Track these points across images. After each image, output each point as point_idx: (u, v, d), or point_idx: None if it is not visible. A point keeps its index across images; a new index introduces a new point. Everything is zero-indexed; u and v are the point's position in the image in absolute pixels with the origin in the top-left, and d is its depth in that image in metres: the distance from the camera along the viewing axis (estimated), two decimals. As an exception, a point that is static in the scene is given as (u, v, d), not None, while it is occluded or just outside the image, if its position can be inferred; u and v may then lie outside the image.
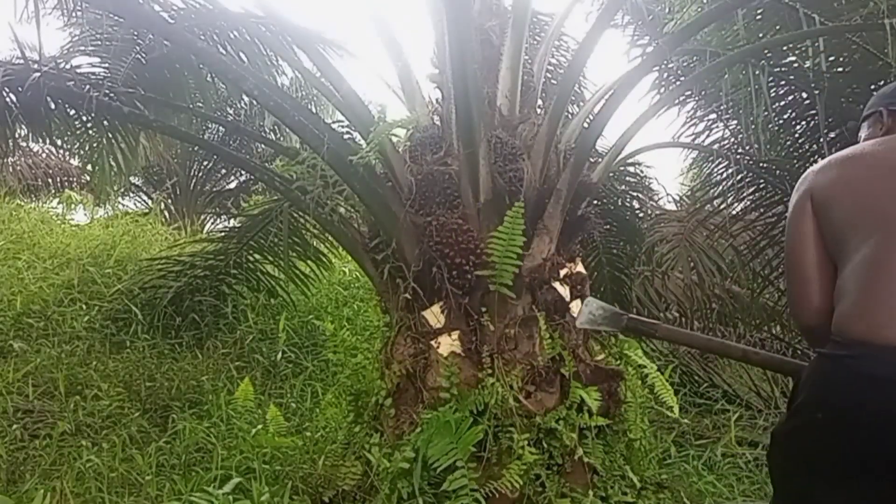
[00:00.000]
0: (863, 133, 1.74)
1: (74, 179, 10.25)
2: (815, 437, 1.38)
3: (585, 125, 3.76)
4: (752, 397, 5.24)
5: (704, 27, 3.79)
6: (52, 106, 3.90)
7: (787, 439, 1.49)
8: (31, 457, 3.47)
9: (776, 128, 4.40)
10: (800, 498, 1.44)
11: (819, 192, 1.51)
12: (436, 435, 2.73)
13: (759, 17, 4.23)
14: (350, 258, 4.79)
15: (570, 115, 4.14)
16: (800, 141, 4.55)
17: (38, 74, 3.53)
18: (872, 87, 4.04)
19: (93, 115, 3.87)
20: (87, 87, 3.63)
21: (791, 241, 1.58)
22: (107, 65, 4.29)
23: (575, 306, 3.25)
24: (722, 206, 5.12)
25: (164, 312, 5.05)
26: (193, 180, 11.15)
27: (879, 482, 1.28)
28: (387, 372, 3.14)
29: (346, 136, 3.37)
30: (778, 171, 4.47)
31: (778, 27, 4.12)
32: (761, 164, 4.48)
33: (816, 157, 4.56)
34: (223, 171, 11.25)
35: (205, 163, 10.92)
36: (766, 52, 3.99)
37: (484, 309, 3.02)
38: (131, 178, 10.08)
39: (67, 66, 4.09)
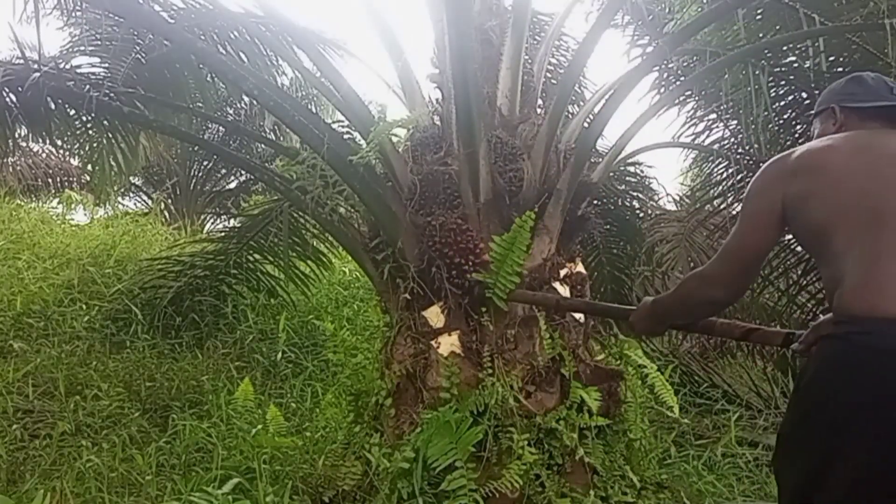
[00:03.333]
0: (816, 128, 1.80)
1: (74, 179, 10.25)
2: (831, 415, 1.39)
3: (585, 125, 3.76)
4: (752, 397, 5.24)
5: (704, 27, 3.79)
6: (52, 106, 3.90)
7: (798, 426, 1.49)
8: (31, 457, 3.46)
9: (776, 128, 4.40)
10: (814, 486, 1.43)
11: (794, 194, 1.54)
12: (435, 435, 2.73)
13: (759, 17, 4.23)
14: (350, 258, 4.78)
15: (570, 115, 4.14)
16: (800, 141, 4.55)
17: (38, 74, 3.53)
18: (872, 87, 4.04)
19: (93, 115, 3.87)
20: (87, 87, 3.63)
21: (744, 225, 1.65)
22: (107, 65, 4.29)
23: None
24: (722, 206, 5.13)
25: (164, 312, 5.05)
26: (193, 180, 11.15)
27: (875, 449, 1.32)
28: (387, 372, 3.14)
29: (346, 136, 3.37)
30: (778, 171, 4.46)
31: (778, 27, 4.12)
32: (761, 164, 4.47)
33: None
34: (223, 171, 11.25)
35: (205, 163, 10.92)
36: (766, 52, 4.00)
37: (484, 309, 3.02)
38: (131, 178, 10.07)
39: (67, 66, 4.09)
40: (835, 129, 1.69)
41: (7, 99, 3.82)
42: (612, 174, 4.75)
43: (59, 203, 9.43)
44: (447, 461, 2.66)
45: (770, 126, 4.22)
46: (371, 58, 5.97)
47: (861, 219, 1.43)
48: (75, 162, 9.51)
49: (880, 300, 1.35)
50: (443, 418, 2.75)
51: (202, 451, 3.56)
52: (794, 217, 1.55)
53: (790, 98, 4.37)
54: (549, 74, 4.26)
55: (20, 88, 3.60)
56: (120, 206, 10.62)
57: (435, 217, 3.06)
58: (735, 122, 4.60)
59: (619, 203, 5.24)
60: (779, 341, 1.91)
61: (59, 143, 4.64)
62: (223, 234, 6.03)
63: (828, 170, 1.53)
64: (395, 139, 3.41)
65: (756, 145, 4.43)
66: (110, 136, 4.35)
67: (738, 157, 4.55)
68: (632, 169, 5.47)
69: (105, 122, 4.22)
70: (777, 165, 1.63)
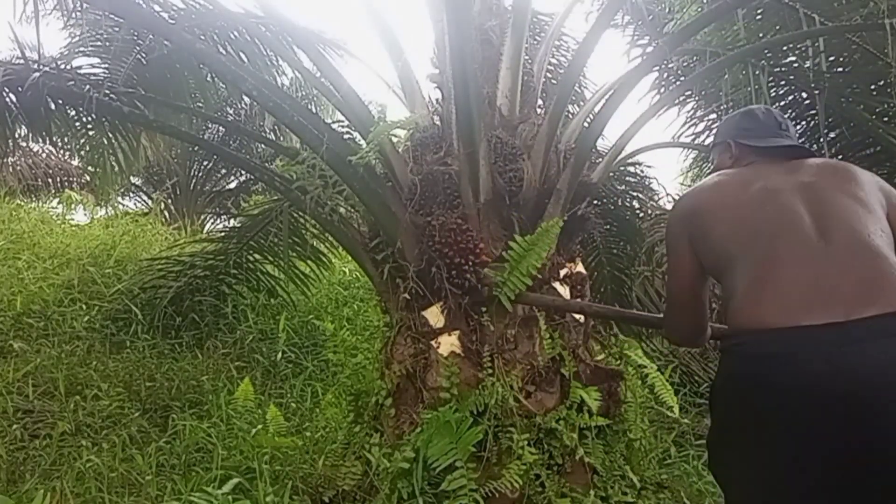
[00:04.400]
0: (714, 158, 2.00)
1: (74, 179, 10.26)
2: (732, 419, 1.52)
3: (585, 125, 3.76)
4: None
5: (704, 27, 3.79)
6: (52, 106, 3.90)
7: (717, 433, 1.60)
8: (31, 457, 3.46)
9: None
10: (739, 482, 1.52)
11: (697, 228, 1.69)
12: (435, 435, 2.73)
13: (759, 17, 4.23)
14: (350, 258, 4.79)
15: (570, 115, 4.14)
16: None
17: (38, 74, 3.53)
18: (872, 87, 4.04)
19: (93, 115, 3.87)
20: (88, 87, 3.63)
21: (670, 266, 1.81)
22: (107, 65, 4.30)
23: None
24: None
25: (164, 312, 5.05)
26: (193, 180, 11.15)
27: (783, 445, 1.40)
28: (387, 372, 3.14)
29: (346, 136, 3.37)
30: (778, 171, 4.46)
31: (778, 27, 4.12)
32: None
33: (816, 156, 4.55)
34: (223, 171, 11.26)
35: (205, 163, 10.92)
36: (766, 52, 3.99)
37: (484, 309, 3.02)
38: (131, 178, 10.07)
39: (67, 67, 4.09)
40: (730, 162, 1.89)
41: (7, 99, 3.82)
42: (612, 174, 4.75)
43: (59, 203, 9.43)
44: (447, 461, 2.66)
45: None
46: (371, 58, 5.98)
47: (747, 244, 1.57)
48: (75, 162, 9.52)
49: (759, 313, 1.46)
50: (443, 418, 2.75)
51: (202, 451, 3.56)
52: (699, 249, 1.69)
53: (790, 98, 4.37)
54: (549, 74, 4.26)
55: (20, 88, 3.60)
56: (120, 206, 10.63)
57: (435, 217, 3.06)
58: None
59: (619, 203, 5.24)
60: None
61: (59, 143, 4.64)
62: (223, 234, 6.03)
63: (721, 204, 1.68)
64: (395, 139, 3.41)
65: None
66: (110, 136, 4.35)
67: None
68: (632, 169, 5.47)
69: (105, 123, 4.22)
70: (677, 211, 1.81)
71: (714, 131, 2.18)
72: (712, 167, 2.00)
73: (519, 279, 2.88)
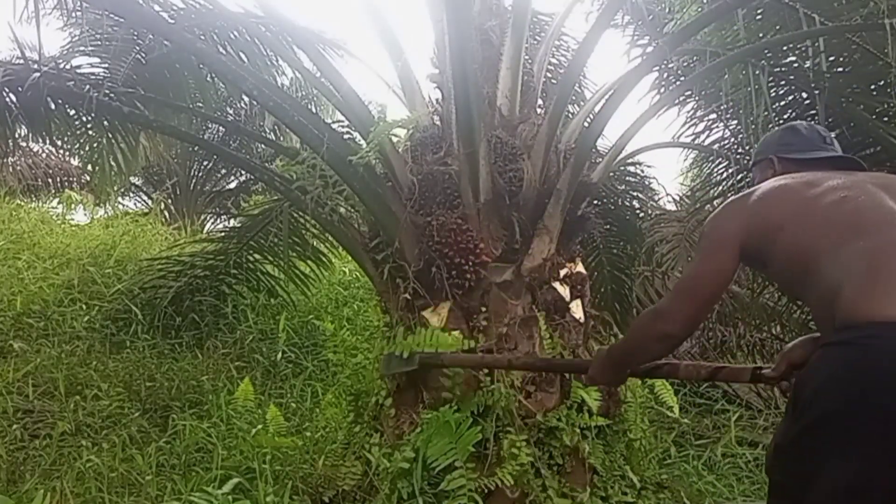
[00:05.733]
0: (756, 177, 1.94)
1: (74, 179, 10.25)
2: (838, 421, 1.38)
3: (585, 125, 3.76)
4: (752, 397, 5.24)
5: (704, 27, 3.78)
6: (52, 106, 3.90)
7: (802, 436, 1.47)
8: (31, 457, 3.46)
9: (776, 128, 4.39)
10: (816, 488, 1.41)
11: (762, 227, 1.61)
12: (435, 435, 2.73)
13: (759, 17, 4.22)
14: (350, 258, 4.78)
15: (570, 115, 4.14)
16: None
17: (38, 74, 3.53)
18: (872, 87, 4.04)
19: (93, 115, 3.87)
20: (87, 87, 3.63)
21: (706, 262, 1.68)
22: (107, 65, 4.29)
23: (575, 306, 3.26)
24: (722, 207, 5.11)
25: (164, 312, 5.05)
26: (193, 180, 11.15)
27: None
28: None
29: (346, 136, 3.37)
30: (778, 171, 4.46)
31: (778, 27, 4.11)
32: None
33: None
34: (223, 171, 11.25)
35: (205, 163, 10.92)
36: (766, 52, 3.99)
37: (484, 309, 3.02)
38: (131, 178, 10.07)
39: (67, 66, 4.09)
40: (773, 177, 1.78)
41: (7, 99, 3.82)
42: (612, 174, 4.75)
43: (59, 203, 9.43)
44: (447, 461, 2.66)
45: (770, 126, 4.21)
46: (371, 58, 5.97)
47: (843, 236, 1.49)
48: (75, 162, 9.50)
49: (879, 305, 1.38)
50: (442, 418, 2.75)
51: (202, 451, 3.56)
52: (765, 248, 1.61)
53: (790, 98, 4.36)
54: (549, 74, 4.26)
55: (20, 88, 3.60)
56: (120, 206, 10.63)
57: (435, 217, 3.06)
58: (735, 122, 4.59)
59: (619, 203, 5.24)
60: (747, 377, 1.92)
61: (59, 143, 4.64)
62: (223, 234, 6.03)
63: (793, 200, 1.61)
64: (395, 139, 3.41)
65: (756, 145, 4.42)
66: (110, 136, 4.35)
67: (738, 157, 4.55)
68: (632, 169, 5.47)
69: (105, 122, 4.22)
70: (736, 204, 1.71)
71: (713, 131, 2.14)
72: (754, 185, 1.88)
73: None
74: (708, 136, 4.84)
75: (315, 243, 5.07)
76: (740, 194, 1.75)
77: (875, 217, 1.50)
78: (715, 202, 5.16)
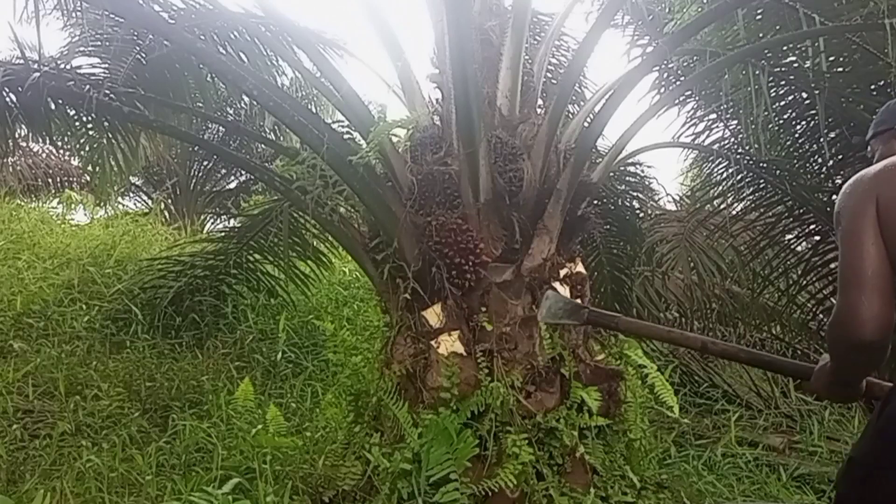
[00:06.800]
0: (877, 149, 1.74)
1: (74, 179, 10.25)
2: None
3: (586, 125, 3.76)
4: (752, 397, 5.23)
5: (704, 27, 3.79)
6: (52, 106, 3.90)
7: (881, 458, 1.41)
8: (31, 457, 3.46)
9: (776, 128, 4.41)
10: None
11: (889, 200, 1.46)
12: (434, 441, 2.73)
13: (759, 17, 4.23)
14: (350, 258, 4.78)
15: (570, 115, 4.14)
16: (800, 141, 4.56)
17: (38, 74, 3.53)
18: (872, 87, 4.04)
19: (93, 115, 3.87)
20: (87, 87, 3.63)
21: (850, 247, 1.49)
22: (107, 65, 4.30)
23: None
24: (722, 206, 5.13)
25: (164, 312, 5.05)
26: (193, 180, 11.14)
27: None
28: (387, 372, 3.14)
29: (346, 137, 3.37)
30: (778, 171, 4.47)
31: (778, 27, 4.12)
32: (761, 164, 4.48)
33: (816, 157, 4.56)
34: (223, 171, 11.25)
35: (205, 163, 10.92)
36: (766, 52, 4.00)
37: (484, 309, 3.02)
38: (131, 178, 10.07)
39: (67, 66, 4.09)
40: None
41: (7, 99, 3.82)
42: (612, 174, 4.75)
43: (59, 203, 9.42)
44: (442, 472, 2.65)
45: (770, 126, 4.23)
46: (371, 58, 5.96)
47: None
48: (75, 162, 9.51)
49: None
50: (441, 424, 2.74)
51: (202, 451, 3.56)
52: (885, 228, 1.47)
53: (790, 98, 4.37)
54: (549, 74, 4.26)
55: (20, 88, 3.60)
56: (120, 206, 10.62)
57: (435, 217, 3.06)
58: (735, 122, 4.60)
59: (619, 203, 5.24)
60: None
61: (59, 143, 4.64)
62: (223, 234, 6.03)
63: None
64: (395, 139, 3.40)
65: (756, 145, 4.43)
66: (110, 136, 4.35)
67: (738, 157, 4.55)
68: (632, 169, 5.47)
69: (105, 123, 4.22)
70: (863, 179, 1.56)
71: (713, 131, 2.06)
72: (876, 158, 1.73)
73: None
74: (708, 136, 4.85)
75: (315, 243, 5.07)
76: (862, 171, 1.59)
77: None
78: (715, 202, 5.17)
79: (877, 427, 1.47)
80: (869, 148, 1.80)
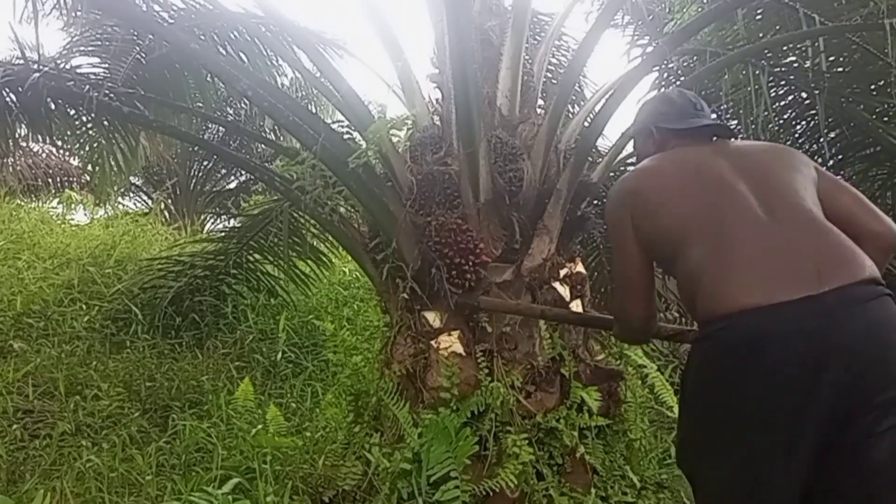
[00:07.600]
0: (637, 146, 2.05)
1: (74, 179, 10.25)
2: (721, 417, 1.48)
3: (586, 125, 3.76)
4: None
5: (704, 27, 3.79)
6: (52, 106, 3.90)
7: (688, 436, 1.60)
8: (31, 457, 3.46)
9: (776, 128, 4.40)
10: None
11: (642, 207, 1.70)
12: (434, 441, 2.72)
13: (759, 17, 4.23)
14: (350, 258, 4.78)
15: (570, 115, 4.13)
16: (800, 141, 4.55)
17: (38, 74, 3.53)
18: (872, 87, 4.04)
19: (93, 115, 3.87)
20: (87, 87, 3.63)
21: (615, 254, 1.82)
22: (107, 65, 4.30)
23: (575, 306, 3.25)
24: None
25: (164, 312, 5.05)
26: (193, 180, 11.15)
27: (773, 433, 1.40)
28: (387, 372, 3.14)
29: (345, 137, 3.36)
30: (778, 171, 4.46)
31: (778, 27, 4.12)
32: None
33: (816, 157, 4.56)
34: (223, 171, 11.26)
35: (205, 163, 10.93)
36: (766, 52, 3.99)
37: (484, 309, 3.02)
38: (131, 178, 10.07)
39: (67, 66, 4.09)
40: (654, 148, 1.92)
41: (7, 99, 3.82)
42: (612, 174, 4.75)
43: (59, 203, 9.42)
44: (443, 470, 2.65)
45: (770, 126, 4.22)
46: (371, 58, 5.97)
47: (699, 228, 1.57)
48: (75, 162, 9.51)
49: (735, 295, 1.44)
50: (441, 424, 2.74)
51: (202, 451, 3.55)
52: (644, 235, 1.70)
53: (790, 98, 4.37)
54: (549, 74, 4.26)
55: (20, 88, 3.60)
56: (120, 206, 10.62)
57: (434, 217, 3.06)
58: (735, 121, 4.60)
59: (620, 203, 5.22)
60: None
61: (59, 143, 4.64)
62: (223, 234, 6.03)
63: (668, 185, 1.69)
64: (394, 139, 3.40)
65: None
66: (110, 136, 4.35)
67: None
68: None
69: (105, 123, 4.22)
70: (619, 190, 1.82)
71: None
72: (637, 156, 2.04)
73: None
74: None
75: (315, 243, 5.07)
76: (622, 178, 1.87)
77: (729, 202, 1.57)
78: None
79: (681, 407, 1.66)
80: (634, 144, 2.10)
